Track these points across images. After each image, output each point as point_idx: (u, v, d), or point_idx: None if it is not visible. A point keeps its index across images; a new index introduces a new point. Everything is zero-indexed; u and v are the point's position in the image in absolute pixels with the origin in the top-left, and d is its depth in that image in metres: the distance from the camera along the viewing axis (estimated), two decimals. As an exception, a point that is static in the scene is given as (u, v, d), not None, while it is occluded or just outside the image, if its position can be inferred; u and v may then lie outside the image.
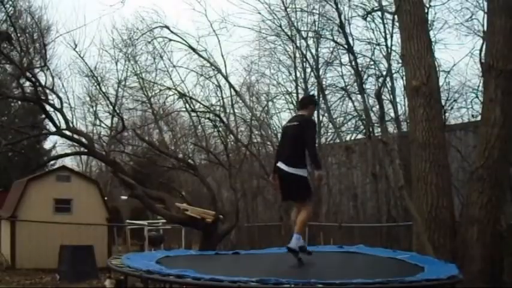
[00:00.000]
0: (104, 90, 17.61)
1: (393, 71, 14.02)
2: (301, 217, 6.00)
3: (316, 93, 17.11)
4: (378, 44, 14.56)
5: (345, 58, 15.40)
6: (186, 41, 15.09)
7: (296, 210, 6.13)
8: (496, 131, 7.90)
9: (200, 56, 15.46)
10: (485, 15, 9.54)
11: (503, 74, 7.96)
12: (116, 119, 19.42)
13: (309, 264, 6.16)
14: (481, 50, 10.07)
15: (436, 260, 6.29)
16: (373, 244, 10.73)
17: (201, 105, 16.33)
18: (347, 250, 7.57)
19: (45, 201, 14.49)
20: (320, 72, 16.50)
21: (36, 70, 12.83)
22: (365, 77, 14.64)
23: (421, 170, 8.37)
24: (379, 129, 13.15)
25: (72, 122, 13.12)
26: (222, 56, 15.79)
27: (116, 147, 17.22)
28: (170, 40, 15.42)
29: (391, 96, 14.79)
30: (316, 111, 17.36)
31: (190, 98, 16.02)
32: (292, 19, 15.71)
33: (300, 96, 17.59)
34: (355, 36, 14.62)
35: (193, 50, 15.19)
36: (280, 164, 6.07)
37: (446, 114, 12.61)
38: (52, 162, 20.09)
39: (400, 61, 12.17)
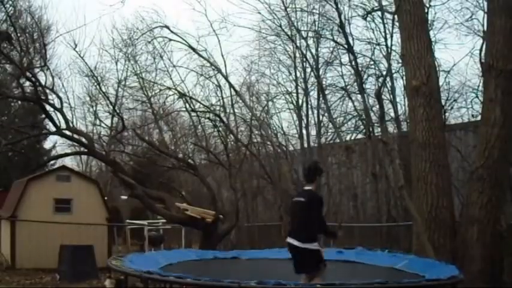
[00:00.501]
0: (104, 90, 17.63)
1: (393, 71, 14.04)
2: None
3: (316, 93, 17.16)
4: (378, 44, 14.58)
5: (345, 58, 15.42)
6: (186, 41, 15.10)
7: (305, 278, 5.96)
8: (496, 131, 7.91)
9: (200, 55, 15.46)
10: (485, 15, 9.55)
11: (503, 74, 7.97)
12: (116, 119, 19.44)
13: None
14: (481, 50, 10.07)
15: (437, 263, 6.28)
16: (373, 244, 10.75)
17: (201, 105, 16.34)
18: (346, 259, 7.56)
19: (45, 201, 14.47)
20: (320, 72, 16.51)
21: (36, 70, 12.85)
22: (365, 76, 14.65)
23: (421, 170, 8.38)
24: (379, 129, 13.16)
25: (72, 122, 13.15)
26: (222, 55, 15.79)
27: (116, 147, 17.22)
28: (170, 40, 15.42)
29: (391, 96, 14.81)
30: (316, 111, 17.43)
31: (190, 97, 16.03)
32: (292, 19, 15.73)
33: (300, 96, 17.65)
34: (355, 36, 14.64)
35: (193, 49, 15.19)
36: (291, 240, 6.04)
37: (446, 114, 12.62)
38: (52, 162, 20.11)
39: (400, 61, 12.18)
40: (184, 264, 7.41)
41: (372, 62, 14.88)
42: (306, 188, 6.17)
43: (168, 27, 14.93)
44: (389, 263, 6.96)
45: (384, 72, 13.79)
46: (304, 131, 17.64)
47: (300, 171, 17.08)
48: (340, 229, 6.67)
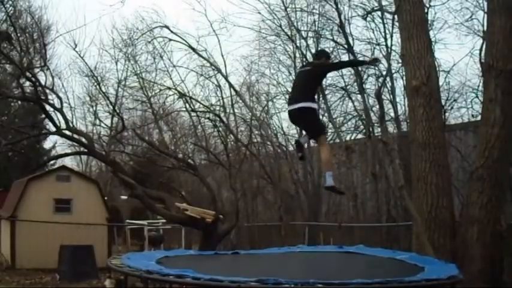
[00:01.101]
0: (104, 90, 17.65)
1: (393, 71, 14.00)
2: (323, 157, 6.47)
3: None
4: (378, 44, 14.55)
5: (345, 58, 15.38)
6: (186, 41, 15.11)
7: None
8: (496, 131, 7.90)
9: (200, 56, 15.48)
10: (485, 15, 9.55)
11: (503, 74, 7.96)
12: (115, 119, 19.45)
13: (309, 264, 6.15)
14: (481, 50, 10.08)
15: (436, 260, 6.28)
16: (373, 244, 10.74)
17: (201, 105, 16.36)
18: (346, 250, 7.57)
19: (45, 201, 14.48)
20: (320, 72, 16.47)
21: (36, 70, 12.84)
22: (365, 76, 14.62)
23: (421, 170, 8.38)
24: (379, 129, 13.16)
25: (72, 122, 13.14)
26: (222, 56, 15.82)
27: (116, 147, 17.23)
28: (170, 40, 15.45)
29: (391, 96, 14.78)
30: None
31: (190, 97, 16.04)
32: (292, 19, 15.73)
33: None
34: (355, 36, 14.61)
35: (193, 49, 15.20)
36: (289, 108, 6.32)
37: (446, 114, 12.61)
38: (52, 162, 20.13)
39: (400, 61, 12.16)
40: (181, 257, 7.40)
41: (372, 62, 14.85)
42: (313, 60, 6.58)
43: (168, 27, 14.97)
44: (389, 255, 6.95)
45: (384, 72, 13.77)
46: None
47: (300, 172, 17.11)
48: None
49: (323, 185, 6.37)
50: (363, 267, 6.28)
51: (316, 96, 6.39)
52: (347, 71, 15.93)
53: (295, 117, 6.35)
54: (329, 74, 17.76)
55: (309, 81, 6.29)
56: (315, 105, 6.33)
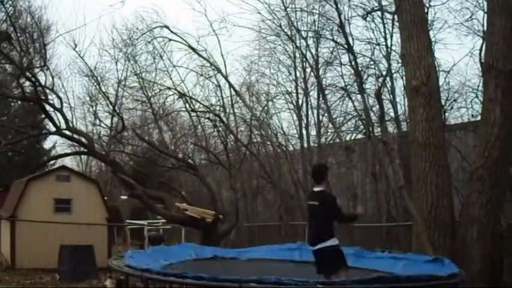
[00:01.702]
0: (104, 90, 17.64)
1: (393, 71, 14.03)
2: None
3: (316, 93, 17.15)
4: (378, 44, 14.57)
5: (345, 58, 15.40)
6: (186, 41, 15.11)
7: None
8: (496, 131, 7.90)
9: (200, 55, 15.47)
10: (485, 15, 9.55)
11: (503, 74, 7.96)
12: (115, 119, 19.45)
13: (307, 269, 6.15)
14: (481, 50, 10.07)
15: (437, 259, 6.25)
16: (373, 244, 10.75)
17: (201, 105, 16.35)
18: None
19: (45, 201, 14.46)
20: (320, 72, 16.50)
21: (36, 70, 12.85)
22: (365, 76, 14.63)
23: (421, 170, 8.38)
24: (379, 129, 13.14)
25: (72, 122, 13.16)
26: (222, 55, 15.81)
27: (116, 147, 17.23)
28: (170, 40, 15.44)
29: (391, 96, 14.80)
30: (316, 111, 17.43)
31: (190, 97, 16.04)
32: (292, 19, 15.74)
33: (300, 96, 17.65)
34: (355, 36, 14.63)
35: (193, 49, 15.20)
36: (311, 247, 6.10)
37: (446, 114, 12.61)
38: (52, 162, 20.13)
39: (400, 61, 12.16)
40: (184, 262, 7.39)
41: (372, 62, 14.88)
42: (316, 189, 6.20)
43: (168, 27, 14.96)
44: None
45: (384, 72, 13.78)
46: (304, 131, 17.65)
47: (300, 172, 17.12)
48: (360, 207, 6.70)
49: None
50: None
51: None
52: (347, 71, 15.99)
53: (316, 256, 6.03)
54: (329, 74, 17.94)
55: (321, 219, 6.03)
56: (335, 242, 5.95)
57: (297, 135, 18.09)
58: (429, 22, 11.49)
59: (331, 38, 15.48)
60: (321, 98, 15.89)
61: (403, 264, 6.71)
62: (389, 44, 13.81)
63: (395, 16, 10.22)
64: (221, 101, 17.46)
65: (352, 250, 7.45)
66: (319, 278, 5.63)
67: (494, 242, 7.88)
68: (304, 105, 17.57)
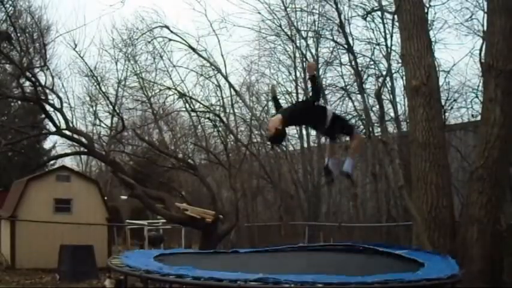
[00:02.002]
0: (104, 90, 17.65)
1: (393, 71, 14.02)
2: (354, 143, 5.94)
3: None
4: (378, 44, 14.57)
5: (345, 58, 15.41)
6: (186, 41, 15.12)
7: (329, 148, 6.07)
8: (496, 131, 7.90)
9: (200, 55, 15.48)
10: (485, 15, 9.54)
11: (503, 74, 7.95)
12: (115, 119, 19.45)
13: (307, 261, 6.14)
14: (481, 50, 10.07)
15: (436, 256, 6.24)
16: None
17: (201, 105, 16.36)
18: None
19: (45, 201, 14.48)
20: (320, 72, 16.49)
21: (36, 70, 12.85)
22: (365, 76, 14.62)
23: (421, 170, 8.37)
24: (379, 129, 13.15)
25: (72, 122, 13.16)
26: (222, 55, 15.84)
27: (116, 147, 17.22)
28: (170, 40, 15.45)
29: (391, 96, 14.80)
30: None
31: (190, 97, 16.05)
32: (292, 19, 15.75)
33: (300, 96, 17.64)
34: (355, 36, 14.63)
35: (193, 49, 15.21)
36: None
37: (446, 114, 12.62)
38: (52, 162, 20.13)
39: (400, 61, 12.16)
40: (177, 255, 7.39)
41: (372, 62, 14.88)
42: None
43: (168, 27, 14.97)
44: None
45: (384, 72, 13.78)
46: (304, 131, 17.65)
47: (300, 172, 17.12)
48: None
49: (340, 170, 5.87)
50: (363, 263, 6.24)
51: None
52: (347, 71, 15.99)
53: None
54: (329, 74, 17.94)
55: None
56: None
57: (297, 135, 18.10)
58: (429, 22, 11.49)
59: (331, 38, 15.51)
60: (321, 98, 15.84)
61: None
62: (389, 44, 13.81)
63: (395, 16, 10.22)
64: (221, 101, 17.49)
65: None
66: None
67: (494, 242, 7.87)
68: (304, 105, 17.55)
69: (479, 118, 9.26)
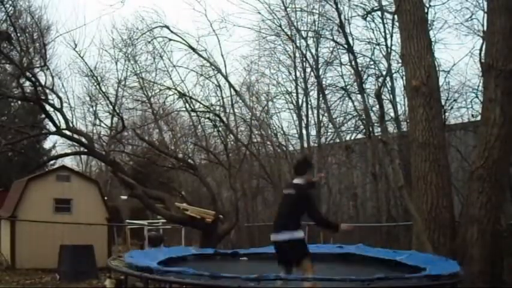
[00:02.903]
0: (104, 90, 17.65)
1: (393, 71, 14.06)
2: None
3: (316, 93, 17.15)
4: (378, 44, 14.60)
5: (345, 58, 15.44)
6: (186, 41, 15.14)
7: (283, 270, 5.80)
8: (495, 131, 7.90)
9: (200, 55, 15.50)
10: (485, 15, 9.54)
11: (503, 74, 7.95)
12: (115, 119, 19.46)
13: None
14: (481, 50, 10.07)
15: (437, 258, 6.26)
16: (372, 244, 10.74)
17: (201, 105, 16.38)
18: (346, 251, 7.55)
19: (45, 201, 14.46)
20: (320, 72, 16.52)
21: (36, 70, 12.85)
22: (365, 76, 14.67)
23: (421, 170, 8.38)
24: (379, 129, 13.16)
25: (72, 122, 13.16)
26: (222, 55, 15.92)
27: (116, 147, 17.22)
28: (170, 40, 15.47)
29: (391, 96, 14.83)
30: (316, 111, 17.43)
31: (190, 97, 16.05)
32: (292, 19, 15.77)
33: (300, 96, 17.66)
34: (355, 36, 14.68)
35: (193, 49, 15.23)
36: (272, 237, 5.92)
37: (446, 114, 12.63)
38: (52, 162, 20.11)
39: (400, 61, 12.17)
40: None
41: (372, 62, 14.92)
42: (295, 181, 6.10)
43: (168, 27, 14.99)
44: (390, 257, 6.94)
45: (384, 72, 13.81)
46: (304, 131, 17.67)
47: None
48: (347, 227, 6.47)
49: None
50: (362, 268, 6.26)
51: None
52: (347, 71, 16.00)
53: (278, 246, 5.84)
54: (329, 74, 17.95)
55: (292, 208, 5.84)
56: (300, 235, 5.78)
57: (297, 135, 18.11)
58: (429, 22, 11.51)
59: (331, 38, 15.54)
60: (321, 98, 15.90)
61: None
62: (389, 44, 13.85)
63: (395, 16, 10.23)
64: (221, 101, 17.51)
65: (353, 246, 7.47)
66: (279, 271, 5.52)
67: (494, 242, 7.87)
68: (304, 105, 17.61)
69: (479, 118, 9.27)
